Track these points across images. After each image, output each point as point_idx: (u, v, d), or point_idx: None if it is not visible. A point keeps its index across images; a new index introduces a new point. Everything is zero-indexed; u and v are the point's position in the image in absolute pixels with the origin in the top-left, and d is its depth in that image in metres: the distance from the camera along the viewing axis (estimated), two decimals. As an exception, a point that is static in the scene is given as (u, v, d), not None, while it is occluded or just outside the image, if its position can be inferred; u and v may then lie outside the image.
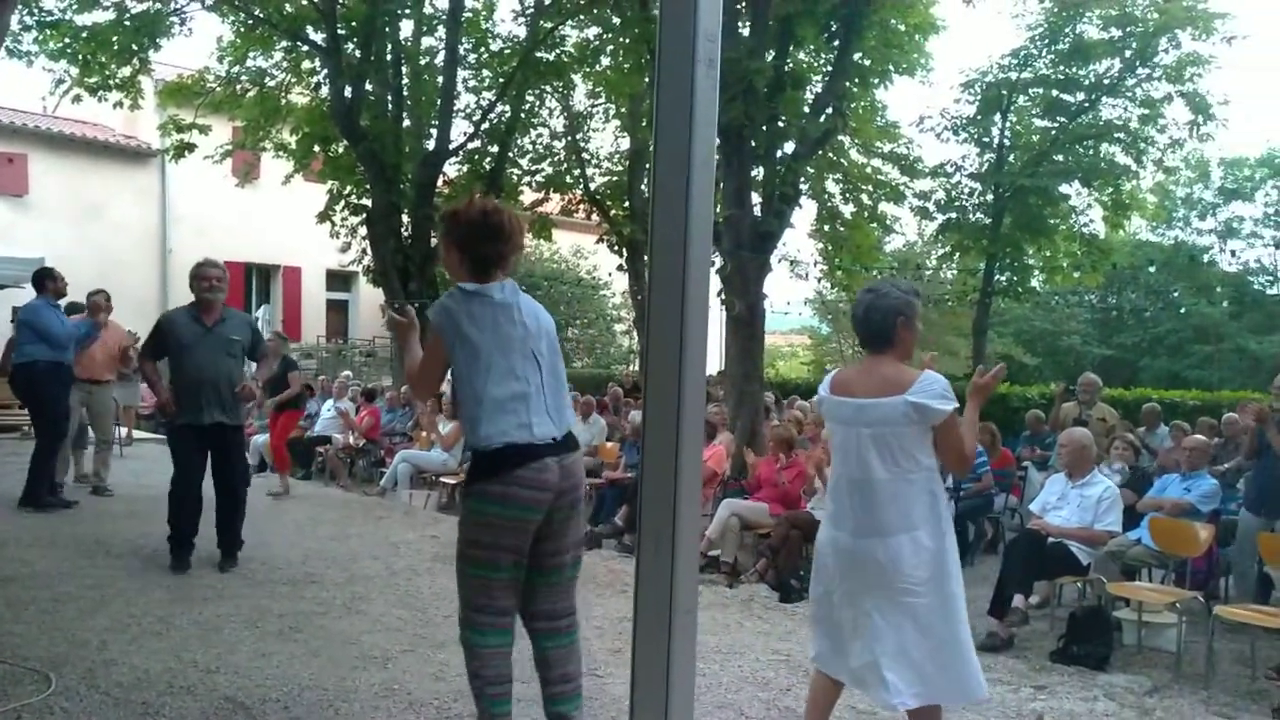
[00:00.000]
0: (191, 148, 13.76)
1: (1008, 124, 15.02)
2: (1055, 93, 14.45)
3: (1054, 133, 14.64)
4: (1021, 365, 21.59)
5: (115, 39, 12.16)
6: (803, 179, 10.88)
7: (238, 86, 14.23)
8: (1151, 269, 25.24)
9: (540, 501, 2.58)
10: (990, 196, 14.95)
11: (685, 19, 1.91)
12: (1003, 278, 15.31)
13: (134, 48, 12.40)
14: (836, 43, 10.48)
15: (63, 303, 7.24)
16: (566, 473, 2.64)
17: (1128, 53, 13.59)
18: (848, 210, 14.27)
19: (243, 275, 19.87)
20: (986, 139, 15.24)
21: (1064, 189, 14.62)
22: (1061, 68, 14.24)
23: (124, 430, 11.38)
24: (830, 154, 12.62)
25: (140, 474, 8.89)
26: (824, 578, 2.80)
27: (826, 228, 14.29)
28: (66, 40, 12.01)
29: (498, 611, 2.65)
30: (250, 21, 13.20)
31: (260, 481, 8.27)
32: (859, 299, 2.87)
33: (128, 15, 12.17)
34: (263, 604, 4.53)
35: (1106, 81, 14.07)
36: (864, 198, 14.32)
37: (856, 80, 11.35)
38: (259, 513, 7.19)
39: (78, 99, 13.18)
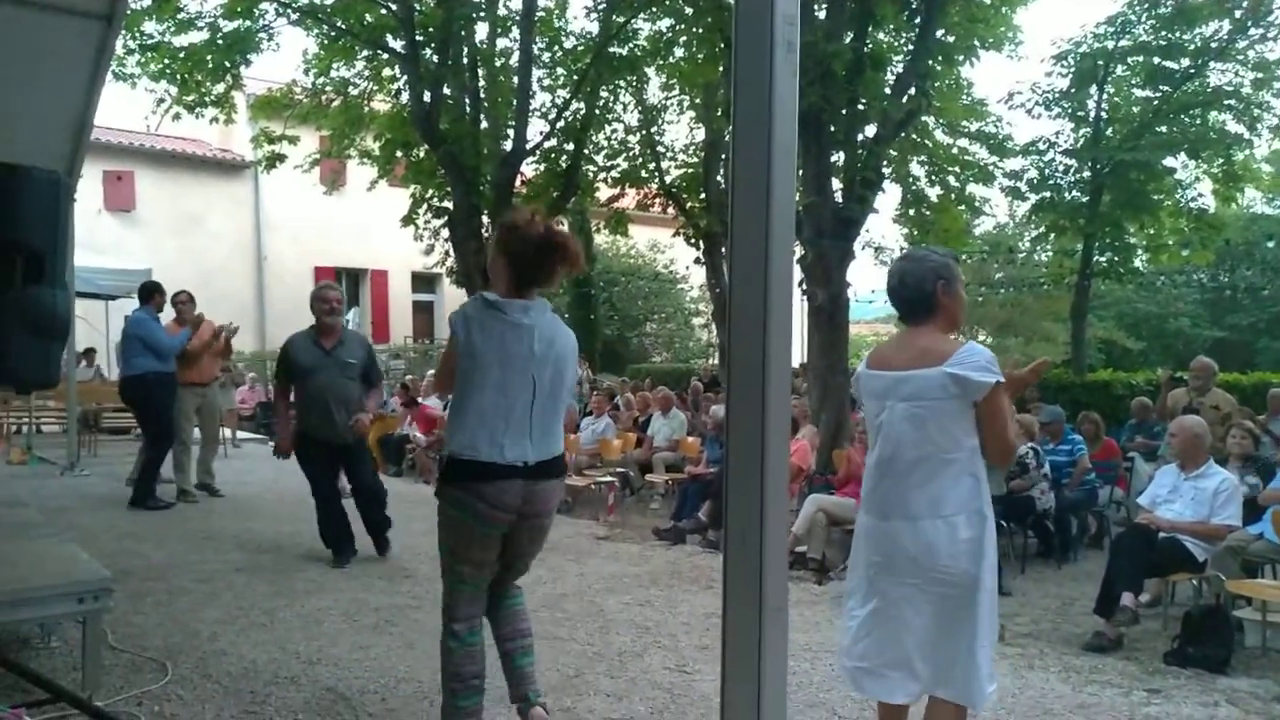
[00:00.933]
0: (282, 158, 14.28)
1: (1105, 96, 14.31)
2: (1157, 60, 13.66)
3: (1156, 103, 13.87)
4: (1125, 350, 20.63)
5: (209, 57, 12.70)
6: (885, 163, 10.61)
7: (323, 97, 14.68)
8: (1270, 244, 23.75)
9: (497, 519, 2.67)
10: (1087, 173, 14.28)
11: (762, 2, 1.87)
12: (1103, 258, 14.60)
13: (227, 65, 12.92)
14: (918, 20, 10.18)
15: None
16: (530, 497, 2.69)
17: (1237, 13, 12.78)
18: (934, 193, 13.84)
19: (333, 279, 20.54)
20: (1082, 113, 14.56)
21: (1168, 162, 13.83)
22: (1164, 33, 13.46)
23: (228, 431, 11.93)
24: (914, 135, 12.26)
25: (243, 473, 9.29)
26: (855, 564, 2.61)
27: (912, 212, 13.88)
28: (166, 61, 12.59)
29: (464, 618, 2.78)
30: (333, 33, 13.59)
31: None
32: (893, 267, 2.63)
33: (220, 34, 12.68)
34: (360, 597, 4.67)
35: (1214, 45, 13.26)
36: (951, 179, 13.86)
37: (940, 58, 10.97)
38: (354, 509, 7.44)
39: (177, 117, 13.80)
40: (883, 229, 52.56)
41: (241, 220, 19.66)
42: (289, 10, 13.11)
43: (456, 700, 2.75)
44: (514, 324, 2.70)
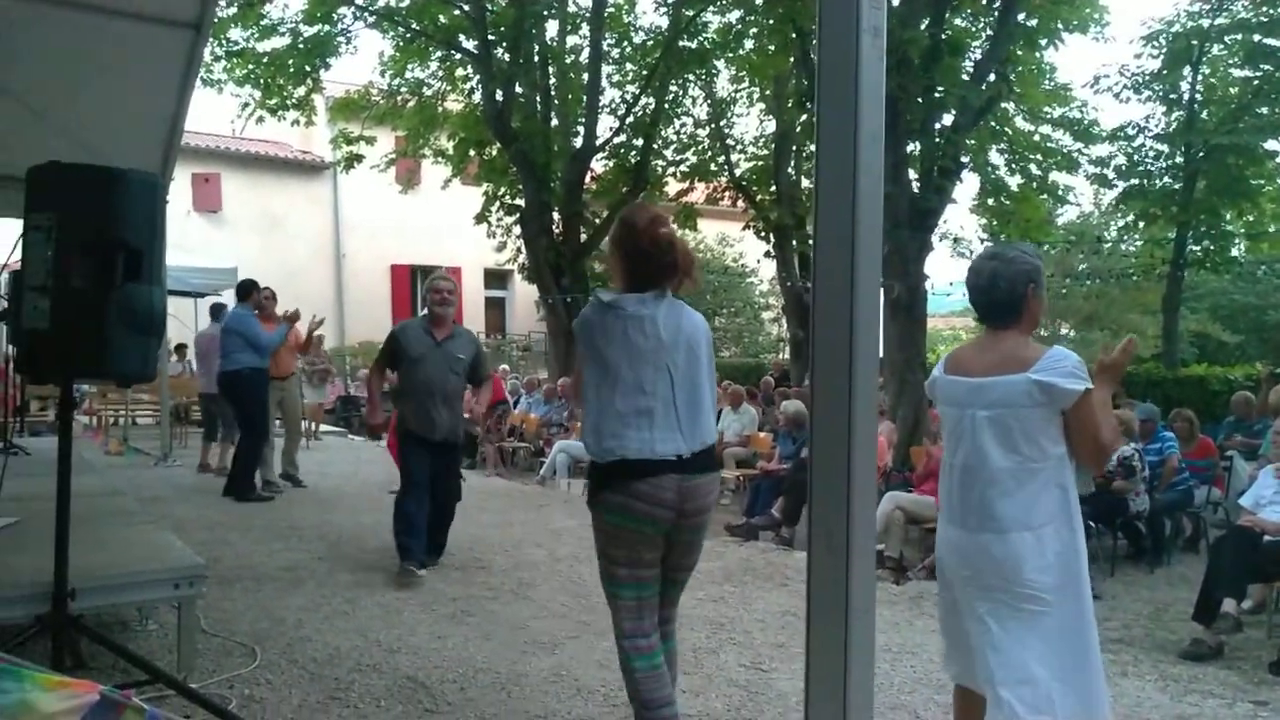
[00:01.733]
0: (360, 159, 14.65)
1: (1199, 77, 13.68)
2: (1257, 37, 12.98)
3: (1256, 83, 13.19)
4: (1220, 344, 19.68)
5: (291, 62, 13.11)
6: (963, 151, 10.34)
7: (398, 98, 15.01)
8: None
9: (658, 517, 2.52)
10: (1180, 158, 13.69)
11: (848, -14, 1.82)
12: (1197, 247, 13.98)
13: (307, 69, 13.33)
14: (998, 4, 9.88)
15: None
16: (689, 493, 2.55)
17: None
18: (1014, 182, 13.43)
19: (408, 276, 21.04)
20: (1174, 95, 13.95)
21: (1270, 145, 13.16)
22: (1265, 9, 12.79)
23: (313, 425, 12.30)
24: (992, 123, 11.92)
25: (324, 464, 9.55)
26: (945, 581, 2.52)
27: (991, 201, 13.51)
28: (250, 66, 13.04)
29: (630, 633, 2.59)
30: (409, 35, 13.87)
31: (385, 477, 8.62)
32: (979, 265, 2.48)
33: (301, 39, 13.07)
34: (437, 588, 4.75)
35: (1320, 20, 12.56)
36: (1032, 167, 13.43)
37: (1022, 42, 10.66)
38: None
39: (261, 120, 14.29)
40: (959, 219, 51.33)
41: (321, 219, 20.26)
42: (366, 14, 13.42)
43: None
44: (634, 316, 2.58)
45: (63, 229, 2.92)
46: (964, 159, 10.63)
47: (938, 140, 9.58)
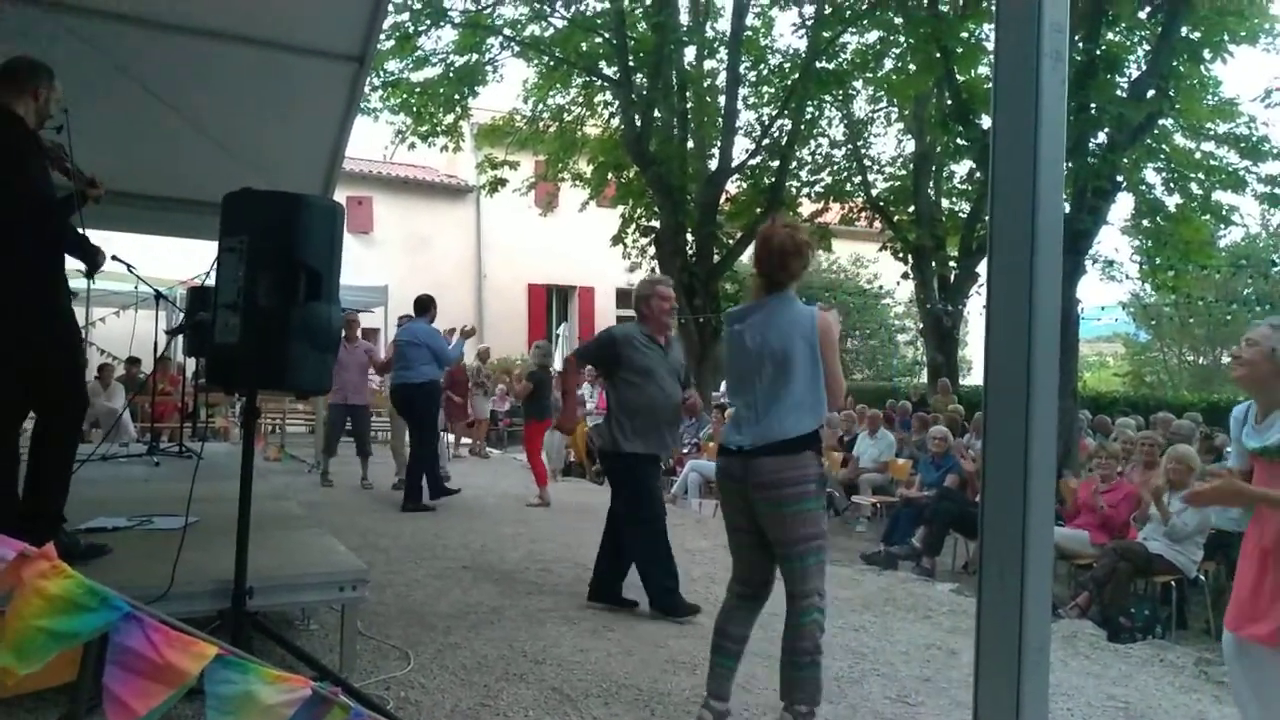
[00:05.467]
0: (503, 182, 15.25)
1: (1383, 89, 12.50)
2: None
3: None
4: None
5: (442, 90, 13.80)
6: (1119, 170, 9.83)
7: (540, 124, 15.53)
8: None
9: (725, 487, 3.14)
10: (1366, 176, 12.51)
11: (1030, 10, 1.78)
12: (1386, 270, 12.75)
13: (456, 97, 13.99)
14: (1160, 17, 9.37)
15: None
16: (750, 470, 2.98)
17: None
18: (1172, 202, 12.63)
19: (544, 296, 21.68)
20: (1359, 108, 12.79)
21: None
22: None
23: (450, 436, 12.80)
24: (1148, 140, 11.27)
25: (465, 475, 9.90)
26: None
27: (1146, 222, 12.74)
28: (404, 96, 13.81)
29: (734, 575, 3.22)
30: (551, 63, 14.36)
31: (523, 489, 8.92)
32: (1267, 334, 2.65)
33: (452, 69, 13.75)
34: (576, 601, 4.84)
35: None
36: (1193, 186, 12.59)
37: (1185, 56, 10.06)
38: (565, 515, 7.76)
39: (412, 146, 15.04)
40: (1109, 241, 48.49)
41: (464, 240, 21.15)
42: (513, 43, 13.99)
43: (711, 654, 3.17)
44: (736, 333, 3.15)
45: (253, 250, 3.18)
46: (1119, 178, 10.11)
47: (1092, 160, 9.13)
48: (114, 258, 4.46)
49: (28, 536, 1.17)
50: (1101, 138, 9.54)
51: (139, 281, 6.49)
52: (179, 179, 6.31)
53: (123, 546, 3.43)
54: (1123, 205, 12.94)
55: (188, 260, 9.39)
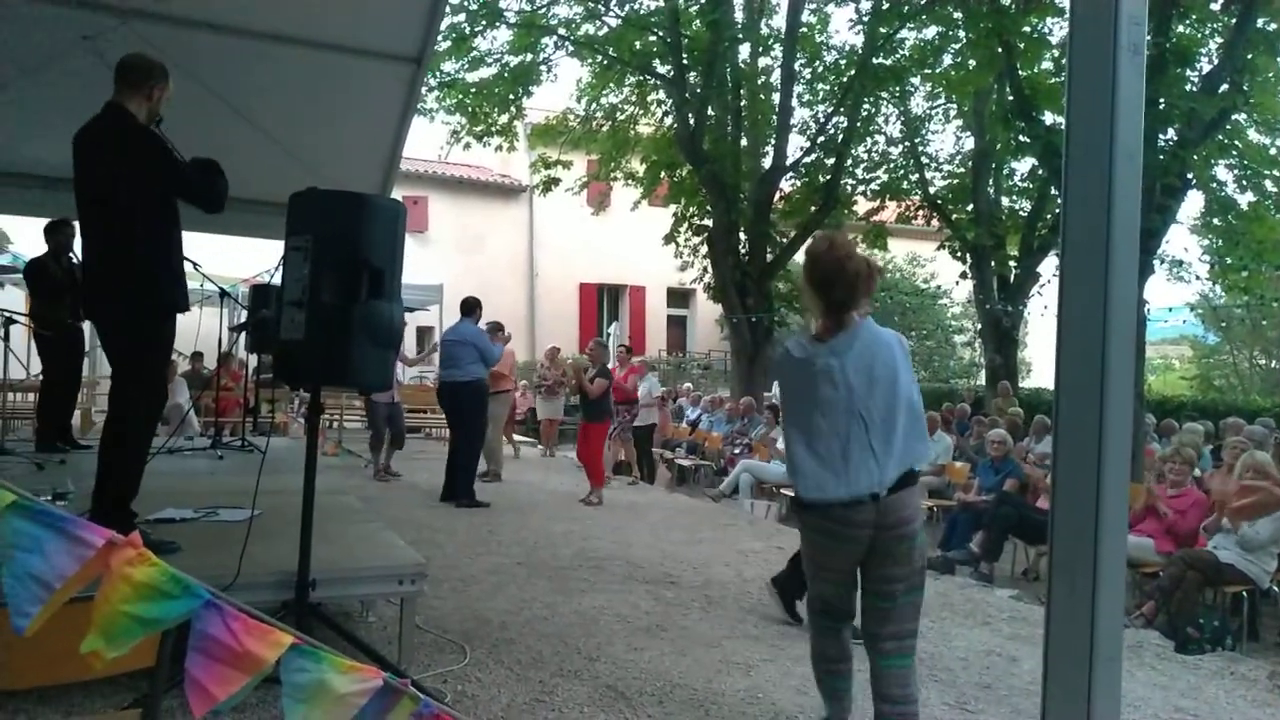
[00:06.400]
0: (556, 182, 15.32)
1: None
2: None
3: None
4: None
5: (497, 90, 13.93)
6: (1189, 167, 9.53)
7: (593, 123, 15.58)
8: None
9: (844, 536, 2.77)
10: None
11: (1107, 3, 1.74)
12: None
13: (511, 97, 14.11)
14: (1235, 8, 9.06)
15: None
16: (882, 511, 2.71)
17: None
18: (1244, 200, 12.21)
19: (595, 295, 21.77)
20: None
21: None
22: None
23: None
24: (1220, 136, 10.90)
25: (517, 473, 10.01)
26: None
27: (1216, 221, 12.34)
28: (460, 96, 13.96)
29: (825, 610, 3.02)
30: (605, 62, 14.40)
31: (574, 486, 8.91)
32: None
33: (507, 69, 13.86)
34: (630, 600, 4.85)
35: None
36: (1268, 184, 12.18)
37: (1261, 49, 9.71)
38: (615, 514, 7.79)
39: (467, 146, 15.19)
40: (1180, 240, 46.97)
41: (517, 239, 21.34)
42: (567, 43, 14.05)
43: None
44: (824, 370, 2.75)
45: (318, 249, 3.23)
46: (1189, 175, 9.80)
47: (1161, 156, 8.86)
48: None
49: (109, 524, 1.21)
50: (1171, 133, 9.25)
51: (204, 279, 6.66)
52: (241, 180, 6.43)
53: (190, 537, 3.52)
54: (1192, 203, 12.51)
55: (246, 258, 9.65)
